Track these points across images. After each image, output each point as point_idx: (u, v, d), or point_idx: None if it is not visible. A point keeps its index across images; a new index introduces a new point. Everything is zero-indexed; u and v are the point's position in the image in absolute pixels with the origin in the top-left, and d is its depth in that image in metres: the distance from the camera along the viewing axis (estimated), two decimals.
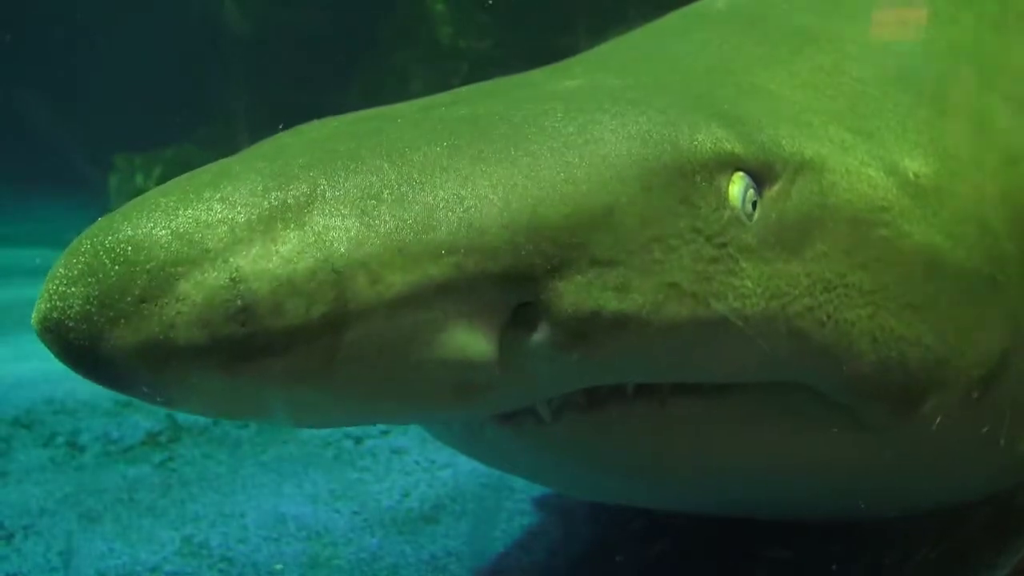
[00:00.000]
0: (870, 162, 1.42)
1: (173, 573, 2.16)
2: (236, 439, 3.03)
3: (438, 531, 2.35)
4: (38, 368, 3.83)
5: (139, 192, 1.14)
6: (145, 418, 3.22)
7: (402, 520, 2.41)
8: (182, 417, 3.17)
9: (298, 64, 8.88)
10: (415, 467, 2.76)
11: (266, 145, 1.24)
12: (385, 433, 3.01)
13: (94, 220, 1.08)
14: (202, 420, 3.17)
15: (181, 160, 7.89)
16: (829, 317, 1.30)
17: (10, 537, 2.37)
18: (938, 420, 1.43)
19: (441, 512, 2.45)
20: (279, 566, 2.19)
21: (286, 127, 1.31)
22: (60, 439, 3.07)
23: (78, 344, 1.00)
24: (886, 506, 1.76)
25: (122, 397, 3.39)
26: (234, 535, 2.35)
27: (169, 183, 1.11)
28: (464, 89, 1.47)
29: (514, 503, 2.42)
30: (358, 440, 2.97)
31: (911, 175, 1.46)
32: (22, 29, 11.03)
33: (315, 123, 1.30)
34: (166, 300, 0.99)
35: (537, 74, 1.57)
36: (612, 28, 2.18)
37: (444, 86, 1.58)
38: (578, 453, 1.40)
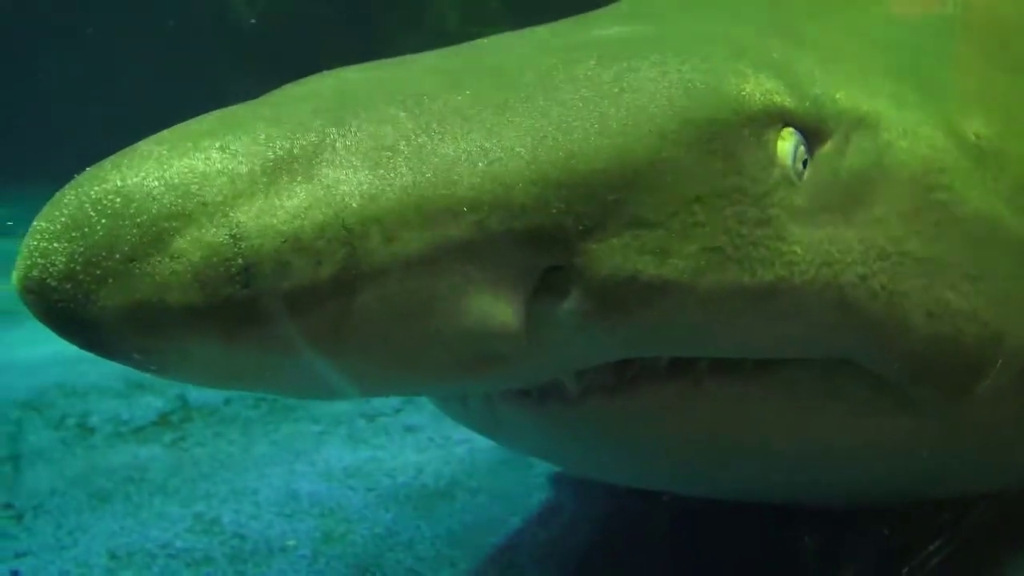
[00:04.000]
0: (928, 121, 1.32)
1: (184, 549, 2.13)
2: (247, 418, 3.00)
3: (454, 507, 2.31)
4: (49, 352, 3.80)
5: None
6: (156, 399, 3.19)
7: (417, 496, 2.37)
8: (193, 397, 3.14)
9: (303, 50, 8.82)
10: (429, 444, 2.71)
11: (274, 94, 1.16)
12: (398, 411, 2.97)
13: None
14: (214, 400, 3.14)
15: None
16: (883, 288, 1.20)
17: (20, 517, 2.34)
18: (993, 401, 1.34)
19: (456, 488, 2.41)
20: (292, 542, 2.15)
21: None
22: (71, 421, 3.04)
23: (61, 306, 0.91)
24: (932, 490, 1.67)
25: (133, 378, 3.40)
26: (246, 512, 2.31)
27: (165, 131, 1.03)
28: (487, 39, 1.38)
29: (531, 479, 2.38)
30: (371, 418, 2.93)
31: (971, 136, 1.36)
32: (23, 23, 11.02)
33: (327, 72, 1.22)
34: (159, 258, 0.90)
35: (566, 23, 1.47)
36: None
37: None
38: (606, 437, 1.31)
